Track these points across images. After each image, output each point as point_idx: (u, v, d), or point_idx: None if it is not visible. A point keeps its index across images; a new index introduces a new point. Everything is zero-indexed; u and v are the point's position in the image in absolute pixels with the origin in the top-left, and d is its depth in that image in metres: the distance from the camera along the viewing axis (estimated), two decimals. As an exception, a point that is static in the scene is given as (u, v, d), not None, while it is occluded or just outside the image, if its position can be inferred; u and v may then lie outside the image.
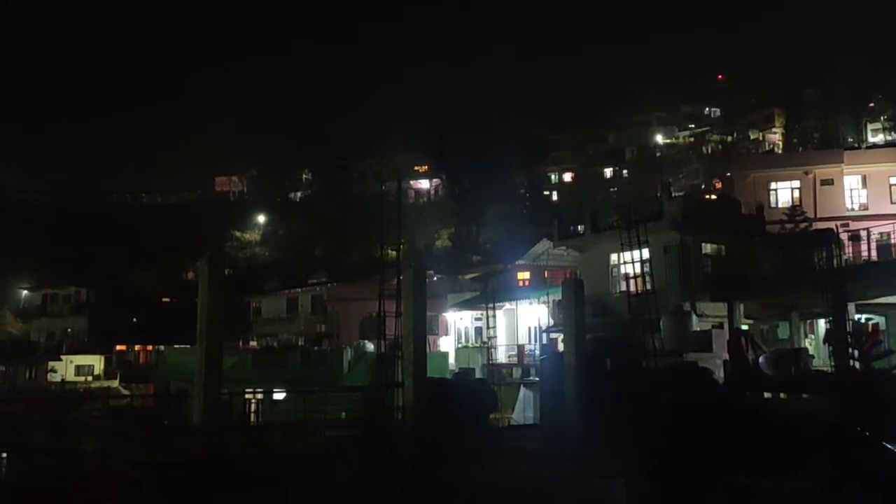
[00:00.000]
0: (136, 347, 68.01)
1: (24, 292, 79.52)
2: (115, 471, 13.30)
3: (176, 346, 50.09)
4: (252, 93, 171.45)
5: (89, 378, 63.57)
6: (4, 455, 16.46)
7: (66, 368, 63.82)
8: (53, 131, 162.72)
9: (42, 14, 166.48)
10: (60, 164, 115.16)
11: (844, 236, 31.23)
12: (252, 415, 24.69)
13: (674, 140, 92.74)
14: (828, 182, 40.77)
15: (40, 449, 15.45)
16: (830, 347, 23.14)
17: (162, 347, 55.17)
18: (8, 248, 76.43)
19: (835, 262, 25.64)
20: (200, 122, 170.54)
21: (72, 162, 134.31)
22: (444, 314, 46.26)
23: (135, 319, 69.99)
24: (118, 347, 67.87)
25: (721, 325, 28.49)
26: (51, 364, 62.84)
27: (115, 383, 59.58)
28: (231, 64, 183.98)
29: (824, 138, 65.89)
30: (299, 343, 51.86)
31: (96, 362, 66.61)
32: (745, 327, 27.89)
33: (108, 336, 67.21)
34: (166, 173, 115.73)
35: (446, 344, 45.06)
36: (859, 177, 40.85)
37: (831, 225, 33.18)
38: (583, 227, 35.28)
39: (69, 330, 72.74)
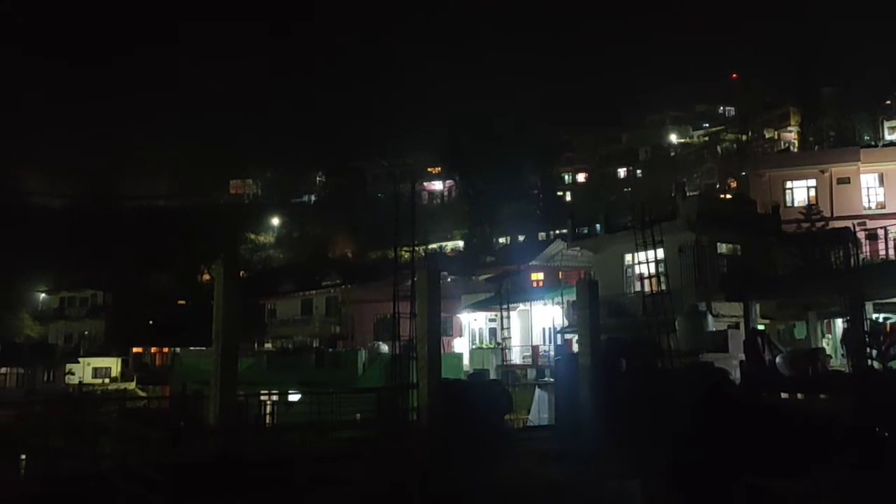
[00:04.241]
0: (153, 350, 68.52)
1: (42, 295, 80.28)
2: (133, 472, 13.40)
3: (192, 348, 50.35)
4: (266, 96, 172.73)
5: (106, 380, 64.12)
6: (23, 457, 16.61)
7: (83, 371, 64.37)
8: (69, 135, 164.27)
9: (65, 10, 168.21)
10: (75, 168, 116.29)
11: (861, 235, 30.99)
12: (267, 416, 24.74)
13: (688, 140, 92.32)
14: (844, 181, 40.40)
15: (58, 451, 15.57)
16: (847, 347, 22.94)
17: (178, 349, 55.47)
18: (26, 252, 77.14)
19: (852, 261, 25.45)
20: (215, 126, 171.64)
21: (87, 166, 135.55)
22: (458, 315, 46.23)
23: (151, 322, 70.48)
24: (135, 350, 68.41)
25: (737, 326, 28.31)
26: (68, 366, 63.38)
27: (132, 385, 60.01)
28: (245, 67, 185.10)
29: (840, 136, 65.34)
30: (314, 345, 51.97)
31: (113, 364, 67.16)
32: (761, 327, 27.69)
33: (124, 338, 67.75)
34: (182, 176, 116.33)
35: (460, 345, 45.02)
36: (876, 175, 40.46)
37: (848, 224, 32.91)
38: (597, 227, 35.17)
39: (86, 332, 73.37)
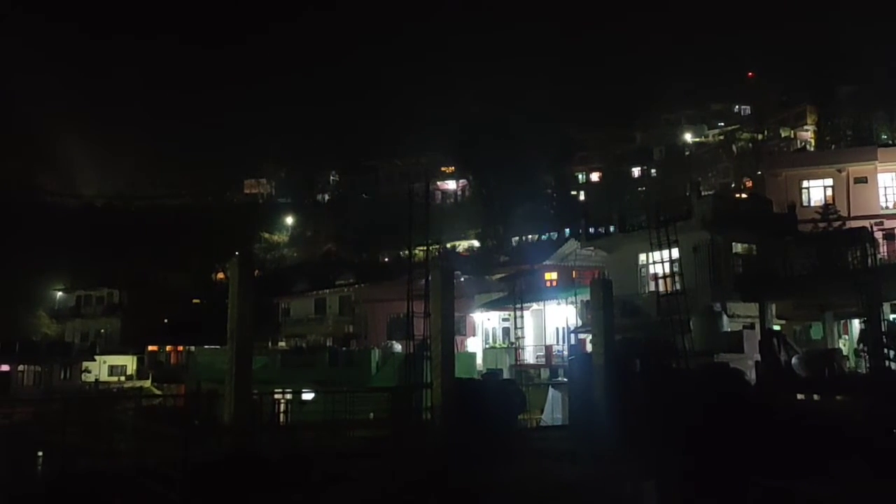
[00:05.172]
0: (168, 348, 68.95)
1: (59, 294, 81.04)
2: (150, 469, 13.49)
3: (206, 346, 50.65)
4: (280, 95, 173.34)
5: (122, 378, 64.63)
6: (40, 454, 16.75)
7: (99, 368, 64.91)
8: (84, 134, 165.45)
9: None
10: (93, 168, 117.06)
11: (879, 235, 30.66)
12: (281, 415, 24.86)
13: (703, 139, 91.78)
14: (861, 180, 40.05)
15: (75, 448, 15.70)
16: (865, 348, 22.76)
17: (192, 348, 55.80)
18: (43, 251, 77.88)
19: (869, 261, 25.24)
20: (229, 126, 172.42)
21: (103, 166, 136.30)
22: (471, 315, 46.23)
23: (166, 320, 70.92)
24: (150, 348, 68.88)
25: (752, 326, 28.15)
26: (85, 364, 63.92)
27: (148, 383, 60.47)
28: (259, 67, 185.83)
29: (857, 135, 64.78)
30: (327, 344, 52.16)
31: (129, 362, 67.70)
32: (776, 328, 27.54)
33: (140, 337, 68.25)
34: (196, 176, 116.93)
35: (474, 345, 45.03)
36: (894, 174, 40.08)
37: (865, 223, 32.58)
38: (611, 227, 35.06)
39: (102, 331, 73.98)
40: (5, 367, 57.38)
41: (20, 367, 58.62)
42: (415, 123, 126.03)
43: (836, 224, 34.70)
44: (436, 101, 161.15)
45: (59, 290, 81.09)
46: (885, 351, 21.40)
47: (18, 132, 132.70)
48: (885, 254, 31.68)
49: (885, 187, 40.02)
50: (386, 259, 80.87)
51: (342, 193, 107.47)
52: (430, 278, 20.55)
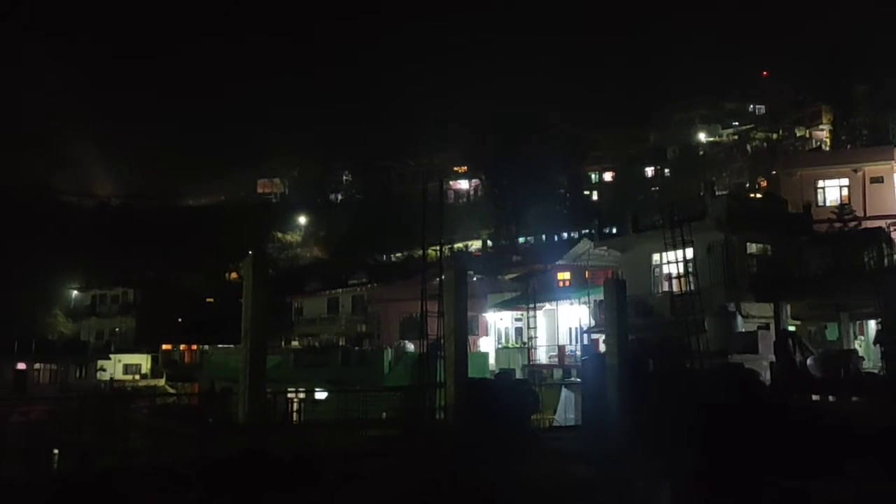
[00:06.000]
0: (182, 347, 69.34)
1: (75, 293, 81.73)
2: (165, 467, 13.58)
3: (220, 345, 50.91)
4: (293, 96, 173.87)
5: (137, 377, 65.10)
6: (56, 452, 16.89)
7: (114, 367, 65.41)
8: (96, 135, 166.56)
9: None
10: (107, 169, 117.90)
11: (895, 235, 30.40)
12: (294, 414, 24.97)
13: (717, 138, 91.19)
14: (878, 180, 39.70)
15: (91, 446, 15.82)
16: (881, 349, 22.58)
17: (206, 347, 56.14)
18: (59, 250, 78.53)
19: (885, 261, 25.05)
20: (243, 126, 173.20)
21: (118, 166, 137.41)
22: (484, 314, 46.21)
23: (180, 319, 71.35)
24: (164, 347, 69.29)
25: (767, 326, 27.93)
26: (100, 363, 64.44)
27: (162, 382, 60.85)
28: (272, 66, 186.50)
29: (874, 135, 64.21)
30: (340, 343, 52.29)
31: (143, 361, 68.16)
32: (791, 328, 27.34)
33: (154, 336, 68.67)
34: (210, 176, 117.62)
35: (486, 344, 45.00)
36: (911, 174, 39.70)
37: (881, 224, 32.36)
38: (624, 226, 34.92)
39: (117, 329, 74.54)
40: (22, 366, 57.97)
41: (36, 366, 59.20)
42: (428, 123, 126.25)
43: (852, 224, 34.43)
44: (448, 101, 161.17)
45: (74, 289, 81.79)
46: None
47: (31, 134, 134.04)
48: (902, 254, 31.41)
49: (902, 187, 39.67)
50: (404, 254, 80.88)
51: (355, 193, 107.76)
52: (443, 278, 20.57)
